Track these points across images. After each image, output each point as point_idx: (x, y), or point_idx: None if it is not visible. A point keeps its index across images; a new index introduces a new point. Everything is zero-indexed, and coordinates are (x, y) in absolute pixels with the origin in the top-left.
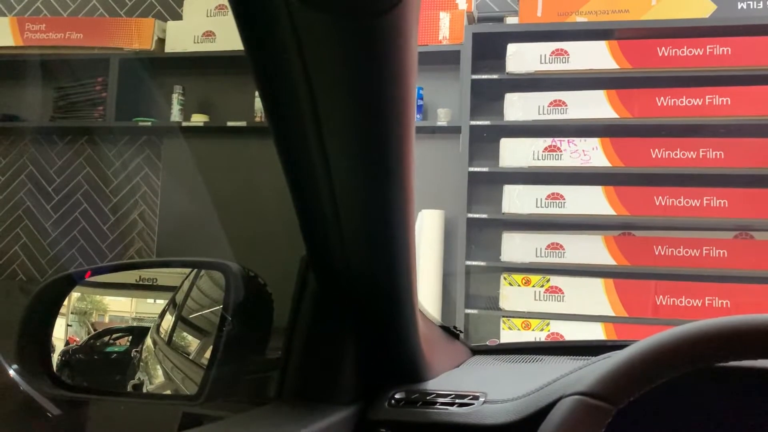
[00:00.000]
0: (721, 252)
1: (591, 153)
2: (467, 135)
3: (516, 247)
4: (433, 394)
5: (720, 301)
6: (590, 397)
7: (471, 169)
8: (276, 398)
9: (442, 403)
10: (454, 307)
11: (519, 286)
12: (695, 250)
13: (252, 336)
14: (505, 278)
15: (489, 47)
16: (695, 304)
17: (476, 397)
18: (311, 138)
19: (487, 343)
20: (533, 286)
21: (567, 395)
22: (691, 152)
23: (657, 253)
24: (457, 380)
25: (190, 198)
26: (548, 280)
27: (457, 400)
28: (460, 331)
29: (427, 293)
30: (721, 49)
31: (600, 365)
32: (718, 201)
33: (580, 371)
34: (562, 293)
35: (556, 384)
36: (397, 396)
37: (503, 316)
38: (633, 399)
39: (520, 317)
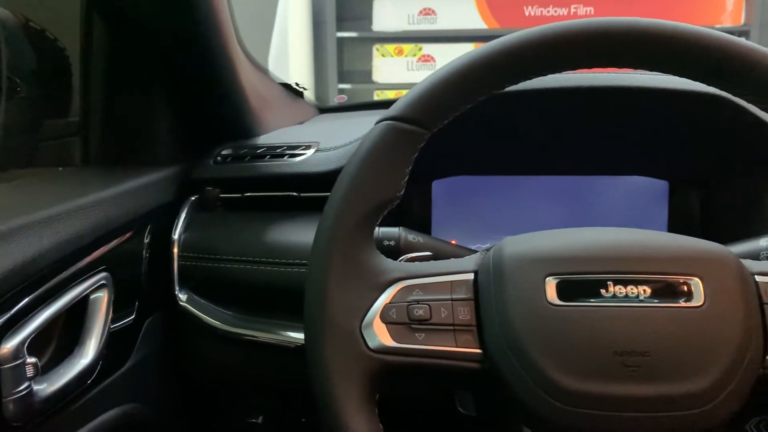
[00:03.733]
0: (588, 9)
1: None
2: None
3: (387, 14)
4: (264, 147)
5: None
6: (400, 121)
7: None
8: (82, 164)
9: (272, 156)
10: (326, 83)
11: (392, 56)
12: (564, 9)
13: (43, 97)
14: (377, 49)
15: None
16: None
17: (309, 147)
18: None
19: (335, 100)
20: (406, 56)
21: (378, 122)
22: None
23: (527, 15)
24: (294, 134)
25: None
26: (420, 49)
27: (288, 152)
28: (304, 89)
29: (299, 68)
30: None
31: (411, 91)
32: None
33: None
34: (435, 62)
35: None
36: (223, 153)
37: (376, 89)
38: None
39: (393, 89)
